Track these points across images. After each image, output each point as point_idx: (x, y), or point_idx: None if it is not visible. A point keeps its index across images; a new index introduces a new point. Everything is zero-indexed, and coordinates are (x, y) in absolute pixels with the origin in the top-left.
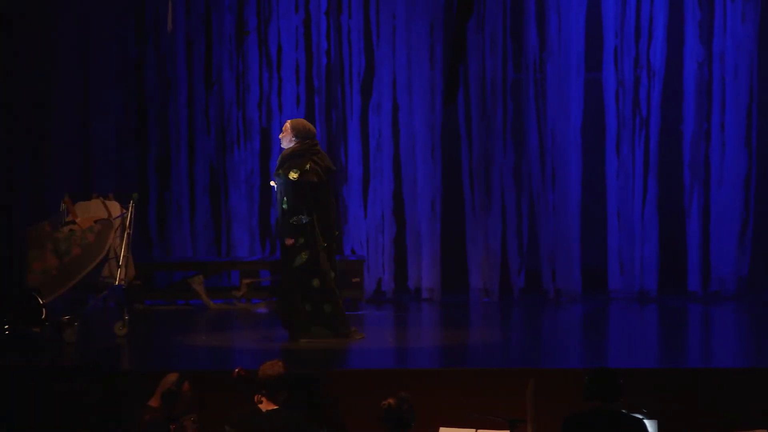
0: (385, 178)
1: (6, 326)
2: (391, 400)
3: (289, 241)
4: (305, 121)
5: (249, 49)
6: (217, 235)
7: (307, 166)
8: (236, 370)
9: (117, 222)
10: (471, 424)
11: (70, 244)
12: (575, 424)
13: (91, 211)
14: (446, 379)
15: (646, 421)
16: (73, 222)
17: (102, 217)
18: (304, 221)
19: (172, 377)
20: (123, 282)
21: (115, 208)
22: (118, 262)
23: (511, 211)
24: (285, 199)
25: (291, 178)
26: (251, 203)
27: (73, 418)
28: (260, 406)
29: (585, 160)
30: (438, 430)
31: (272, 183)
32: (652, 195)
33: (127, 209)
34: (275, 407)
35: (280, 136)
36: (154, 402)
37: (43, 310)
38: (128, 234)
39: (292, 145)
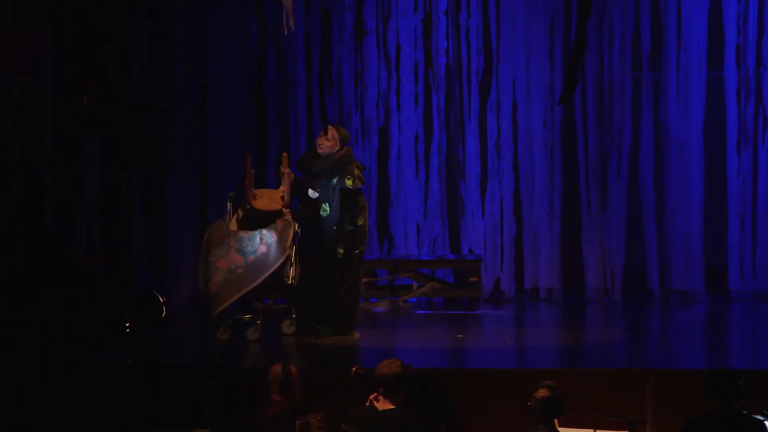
0: (504, 178)
1: (127, 324)
2: (543, 392)
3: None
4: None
5: (368, 48)
6: None
7: (356, 171)
8: (354, 368)
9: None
10: (590, 424)
11: (256, 242)
12: (697, 426)
13: (265, 199)
14: (564, 379)
15: (767, 423)
16: (251, 208)
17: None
18: (348, 228)
19: (278, 368)
20: (294, 281)
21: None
22: (291, 261)
23: (628, 210)
24: (326, 205)
25: (348, 185)
26: (369, 203)
27: (195, 417)
28: (377, 405)
29: (705, 160)
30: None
31: (310, 192)
32: None
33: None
34: (392, 407)
35: (326, 144)
36: (275, 395)
37: (164, 308)
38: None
39: (335, 151)
